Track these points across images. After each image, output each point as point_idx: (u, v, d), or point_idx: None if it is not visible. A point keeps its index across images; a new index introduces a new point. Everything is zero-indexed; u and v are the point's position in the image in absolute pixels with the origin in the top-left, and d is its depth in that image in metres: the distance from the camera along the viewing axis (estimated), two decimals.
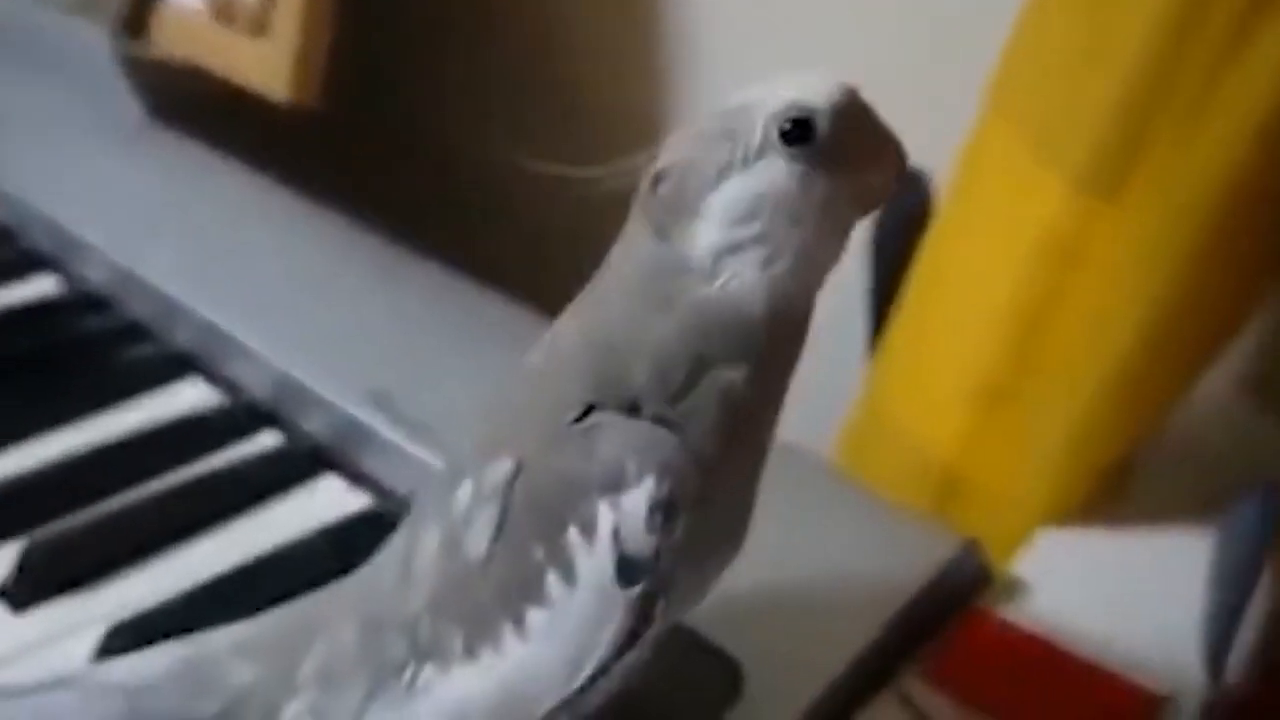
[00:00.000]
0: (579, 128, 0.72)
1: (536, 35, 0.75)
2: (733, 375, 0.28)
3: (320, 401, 0.48)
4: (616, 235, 0.30)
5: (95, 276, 0.58)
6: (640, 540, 0.27)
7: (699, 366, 0.28)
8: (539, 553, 0.28)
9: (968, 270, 0.49)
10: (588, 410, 0.28)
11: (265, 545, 0.44)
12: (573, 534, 0.28)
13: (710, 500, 0.28)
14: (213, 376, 0.52)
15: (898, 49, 0.57)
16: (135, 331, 0.55)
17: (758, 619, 0.39)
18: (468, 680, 0.29)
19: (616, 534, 0.27)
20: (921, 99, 0.56)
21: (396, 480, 0.47)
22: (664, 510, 0.27)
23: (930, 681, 0.38)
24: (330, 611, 0.33)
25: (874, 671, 0.39)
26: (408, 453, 0.46)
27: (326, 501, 0.47)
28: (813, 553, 0.42)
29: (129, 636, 0.39)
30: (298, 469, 0.48)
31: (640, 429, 0.28)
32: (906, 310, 0.53)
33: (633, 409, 0.28)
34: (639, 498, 0.27)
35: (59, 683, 0.35)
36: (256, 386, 0.51)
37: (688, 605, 0.31)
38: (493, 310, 0.54)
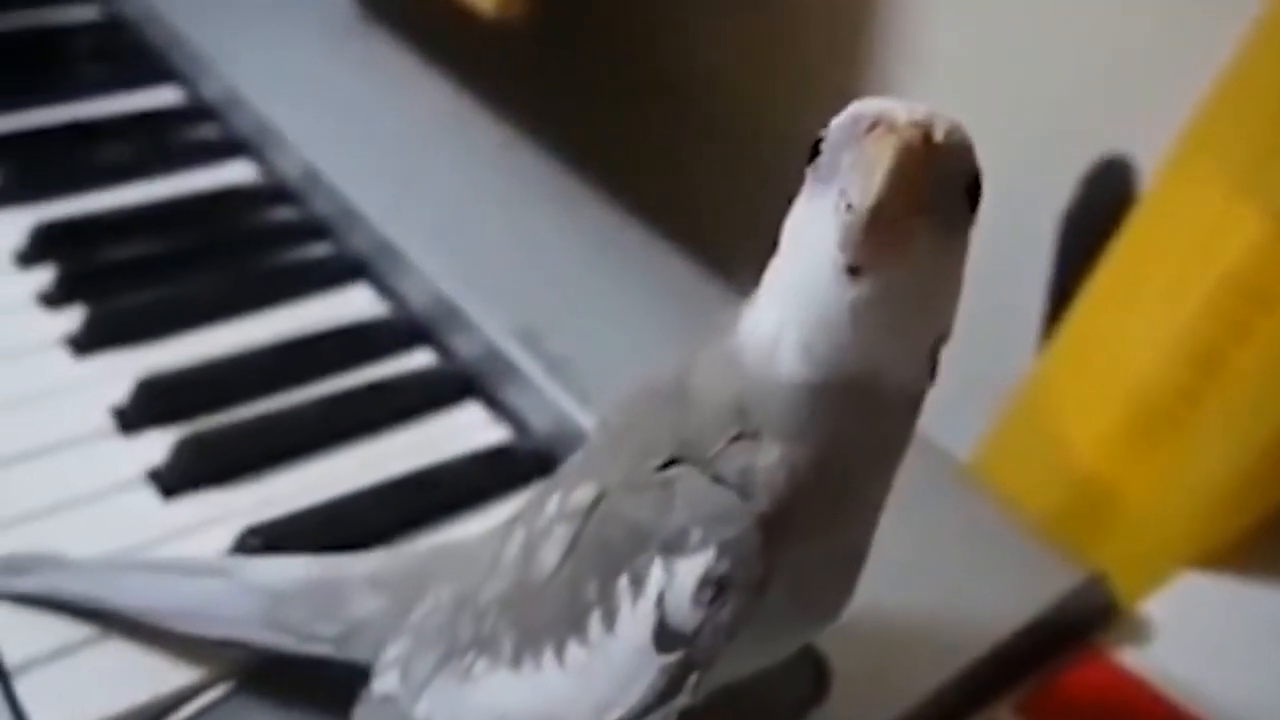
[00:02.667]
0: (787, 55, 0.70)
1: None
2: (785, 451, 0.26)
3: (473, 327, 0.49)
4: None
5: (288, 169, 0.60)
6: (684, 612, 0.27)
7: (753, 437, 0.27)
8: (592, 589, 0.28)
9: (1152, 289, 0.46)
10: (672, 460, 0.27)
11: (404, 466, 0.45)
12: (623, 583, 0.28)
13: (779, 584, 0.27)
14: (380, 285, 0.54)
15: (1123, 36, 0.54)
16: (317, 229, 0.57)
17: (858, 623, 0.38)
18: (508, 685, 0.30)
19: (662, 599, 0.27)
20: (1138, 88, 0.53)
21: (536, 418, 0.47)
22: (715, 587, 0.26)
23: (1023, 715, 0.37)
24: (444, 568, 0.35)
25: (969, 695, 0.38)
26: (547, 392, 0.46)
27: (467, 429, 0.48)
28: (929, 562, 0.41)
29: (263, 538, 0.41)
30: (445, 392, 0.49)
31: (718, 497, 0.27)
32: (1084, 313, 0.50)
33: (716, 473, 0.27)
34: (693, 568, 0.26)
35: (213, 570, 0.38)
36: (418, 303, 0.52)
37: (748, 668, 0.31)
38: (663, 261, 0.53)
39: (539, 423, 0.47)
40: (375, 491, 0.44)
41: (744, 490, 0.26)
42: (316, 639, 0.36)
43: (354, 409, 0.48)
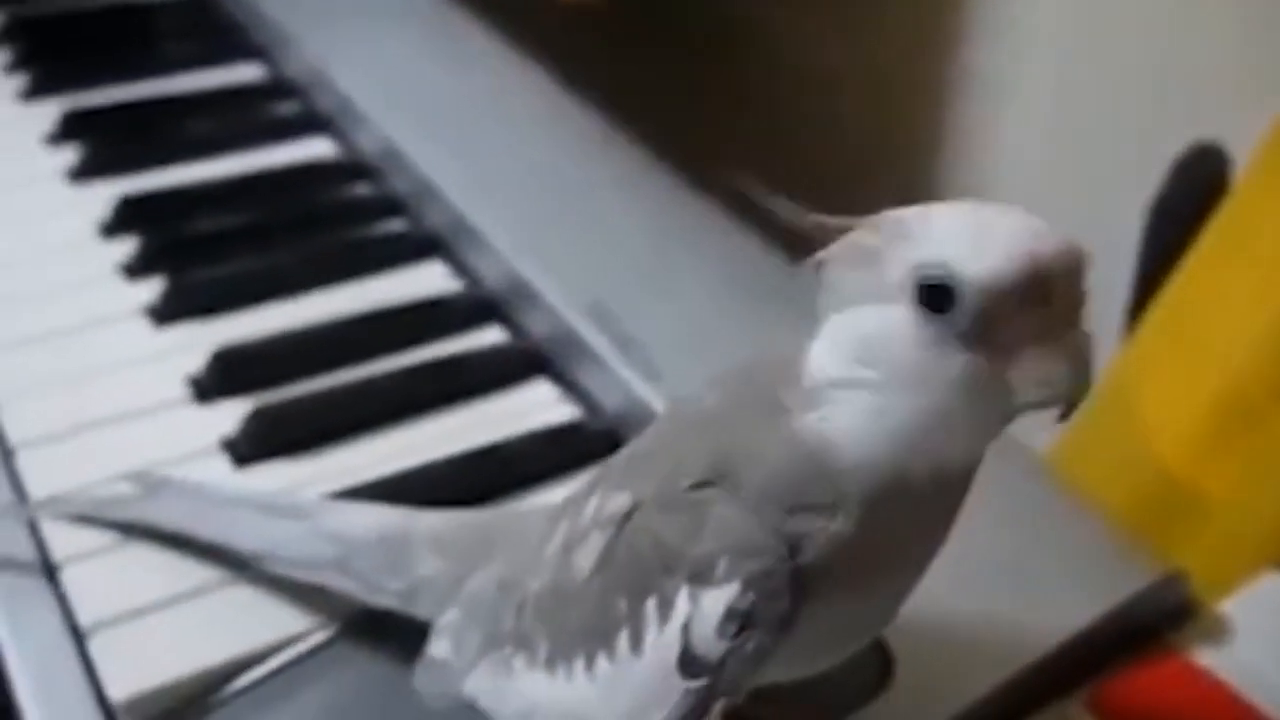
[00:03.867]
0: (874, 32, 0.68)
1: None
2: (825, 521, 0.26)
3: (544, 305, 0.49)
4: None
5: (367, 146, 0.60)
6: (708, 643, 0.26)
7: (795, 497, 0.26)
8: (622, 605, 0.28)
9: (1242, 281, 0.45)
10: (705, 483, 0.27)
11: (473, 442, 0.46)
12: (651, 606, 0.27)
13: (806, 626, 0.26)
14: (454, 262, 0.54)
15: (1217, 20, 0.52)
16: (393, 206, 0.57)
17: (925, 615, 0.38)
18: (540, 687, 0.30)
19: (687, 627, 0.26)
20: (1232, 74, 0.51)
21: (606, 397, 0.47)
22: (740, 622, 0.26)
23: (1095, 712, 0.36)
24: (503, 539, 0.35)
25: (1036, 691, 0.37)
26: (618, 371, 0.46)
27: (537, 407, 0.48)
28: (1000, 556, 0.40)
29: None
30: (515, 369, 0.49)
31: (750, 528, 0.26)
32: (1173, 298, 0.49)
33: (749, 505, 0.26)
34: (719, 600, 0.26)
35: (295, 511, 0.39)
36: (490, 279, 0.52)
37: (786, 677, 0.30)
38: (736, 240, 0.53)
39: (609, 401, 0.47)
40: (444, 465, 0.45)
41: (789, 544, 0.26)
42: (383, 591, 0.36)
43: (425, 384, 0.48)
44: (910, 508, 0.26)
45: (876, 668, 0.37)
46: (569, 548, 0.30)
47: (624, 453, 0.31)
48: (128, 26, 0.70)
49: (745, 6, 0.73)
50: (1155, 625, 0.40)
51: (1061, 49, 0.58)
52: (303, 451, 0.45)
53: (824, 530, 0.26)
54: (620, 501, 0.29)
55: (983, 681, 0.37)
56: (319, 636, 0.39)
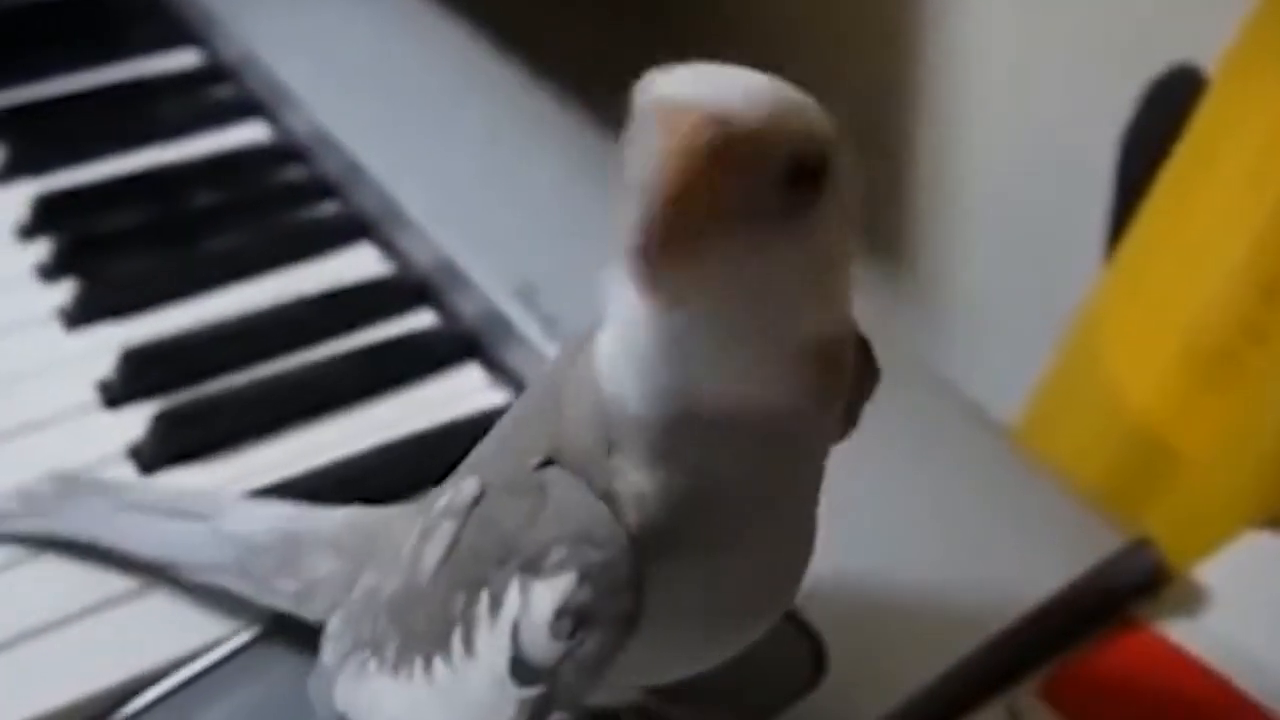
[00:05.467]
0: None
1: None
2: (649, 475, 0.23)
3: (473, 287, 0.47)
4: None
5: (299, 128, 0.57)
6: (541, 645, 0.23)
7: (589, 457, 0.23)
8: (459, 602, 0.25)
9: (1211, 208, 0.41)
10: (548, 461, 0.24)
11: (399, 430, 0.43)
12: (484, 602, 0.24)
13: (663, 610, 0.23)
14: (384, 244, 0.52)
15: None
16: (324, 189, 0.55)
17: (863, 596, 0.35)
18: (385, 692, 0.27)
19: (517, 628, 0.23)
20: None
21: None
22: (574, 619, 0.23)
23: (1046, 700, 0.33)
24: (384, 535, 0.32)
25: (989, 676, 0.34)
26: (546, 352, 0.43)
27: (466, 392, 0.45)
28: (946, 526, 0.37)
29: None
30: (445, 353, 0.47)
31: (589, 510, 0.23)
32: (1138, 239, 0.45)
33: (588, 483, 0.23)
34: (550, 595, 0.23)
35: (196, 512, 0.37)
36: (420, 262, 0.50)
37: (669, 677, 0.27)
38: None
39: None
40: (369, 455, 0.42)
41: (613, 511, 0.23)
42: (278, 593, 0.34)
43: (350, 373, 0.46)
44: (712, 447, 0.23)
45: (807, 660, 0.34)
46: (420, 544, 0.27)
47: (490, 434, 0.28)
48: (55, 19, 0.67)
49: None
50: (1122, 596, 0.37)
51: None
52: (216, 453, 0.42)
53: (630, 487, 0.23)
54: (468, 489, 0.26)
55: (928, 669, 0.34)
56: (224, 648, 0.37)
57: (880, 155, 0.62)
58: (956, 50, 0.58)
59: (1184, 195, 0.42)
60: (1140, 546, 0.37)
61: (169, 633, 0.36)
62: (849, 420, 0.27)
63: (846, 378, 0.24)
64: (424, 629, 0.26)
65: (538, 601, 0.23)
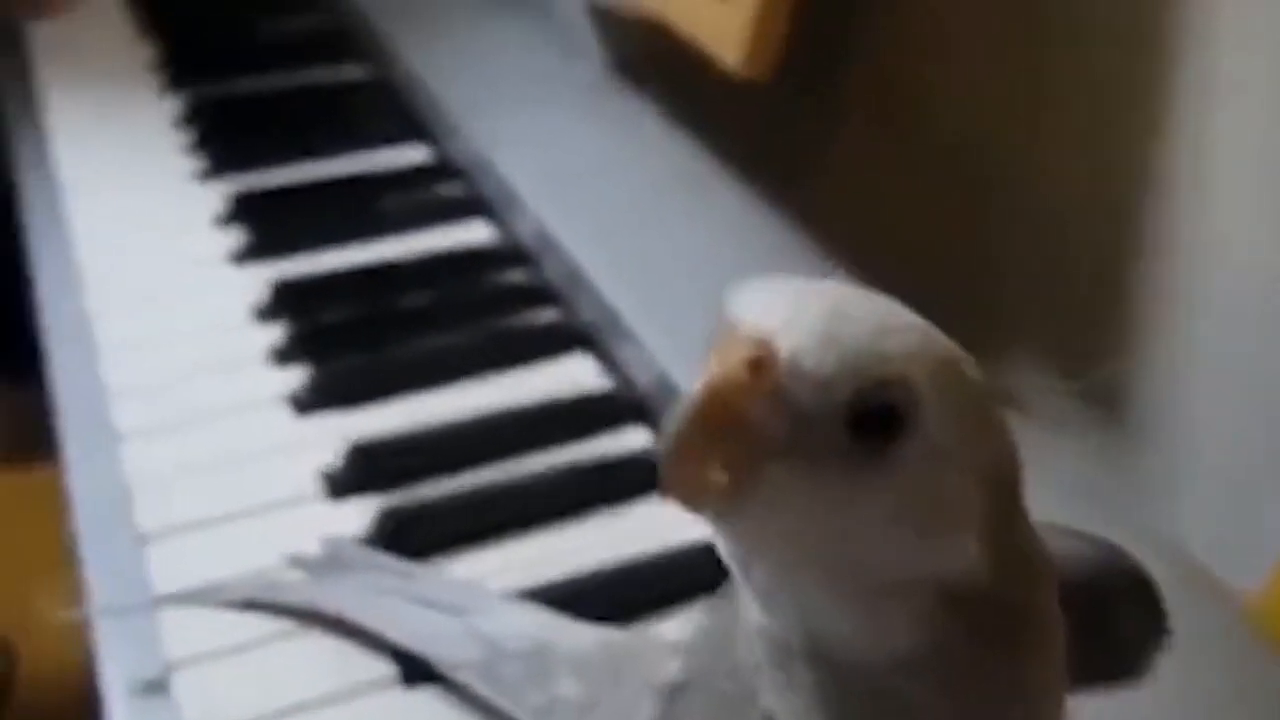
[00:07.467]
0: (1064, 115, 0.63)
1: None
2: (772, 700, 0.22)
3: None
4: None
5: (523, 230, 0.58)
6: None
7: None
8: None
9: None
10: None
11: (638, 551, 0.43)
12: None
13: None
14: (603, 356, 0.52)
15: None
16: (544, 295, 0.55)
17: None
18: None
19: None
20: None
21: None
22: None
23: None
24: (628, 676, 0.32)
25: None
26: None
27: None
28: (1188, 711, 0.35)
29: None
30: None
31: None
32: None
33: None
34: None
35: (453, 607, 0.38)
36: (639, 379, 0.49)
37: None
38: None
39: None
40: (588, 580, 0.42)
41: None
42: (520, 703, 0.35)
43: (570, 488, 0.46)
44: (838, 682, 0.21)
45: None
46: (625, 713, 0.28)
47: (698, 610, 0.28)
48: (303, 108, 0.70)
49: (913, 71, 0.69)
50: None
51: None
52: (430, 558, 0.43)
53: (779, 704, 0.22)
54: (672, 668, 0.27)
55: None
56: None
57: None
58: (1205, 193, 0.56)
59: None
60: None
61: None
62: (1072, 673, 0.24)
63: (1012, 620, 0.22)
64: None
65: None
